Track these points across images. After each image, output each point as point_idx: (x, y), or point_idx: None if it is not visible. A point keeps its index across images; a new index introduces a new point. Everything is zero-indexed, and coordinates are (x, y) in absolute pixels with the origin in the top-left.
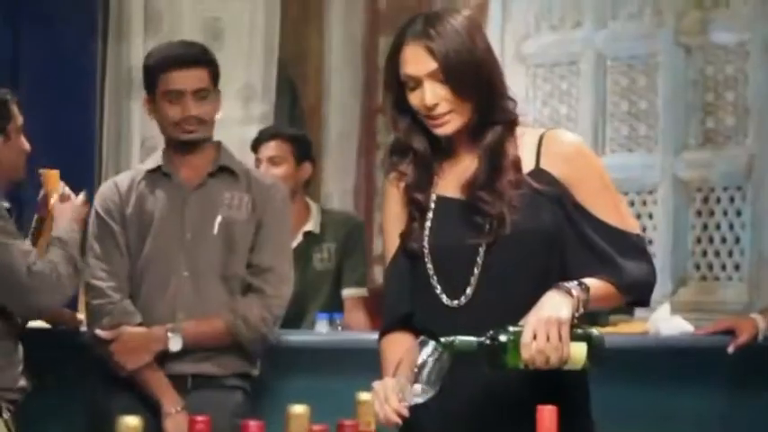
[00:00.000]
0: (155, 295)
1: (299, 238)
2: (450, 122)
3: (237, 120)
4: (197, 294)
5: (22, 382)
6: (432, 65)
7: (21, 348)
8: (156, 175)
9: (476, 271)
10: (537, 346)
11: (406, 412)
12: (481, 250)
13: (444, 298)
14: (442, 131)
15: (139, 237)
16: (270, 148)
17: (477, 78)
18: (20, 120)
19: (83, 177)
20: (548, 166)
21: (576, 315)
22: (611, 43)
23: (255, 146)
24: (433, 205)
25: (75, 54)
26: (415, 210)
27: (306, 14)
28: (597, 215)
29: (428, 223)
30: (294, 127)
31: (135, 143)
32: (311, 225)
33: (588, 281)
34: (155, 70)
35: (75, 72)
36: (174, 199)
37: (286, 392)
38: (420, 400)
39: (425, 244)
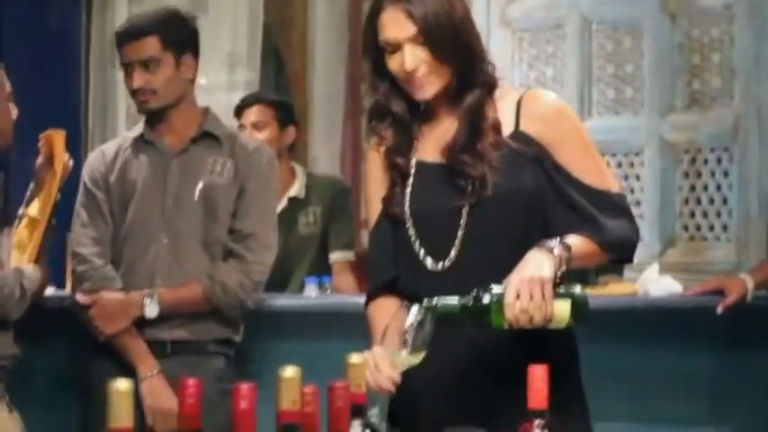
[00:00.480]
0: (136, 261)
1: (284, 202)
2: (429, 85)
3: (223, 86)
4: (176, 260)
5: (15, 350)
6: (411, 28)
7: None
8: (141, 143)
9: (459, 233)
10: (520, 306)
11: (398, 379)
12: (464, 212)
13: (428, 262)
14: (421, 95)
15: (122, 204)
16: (253, 114)
17: (456, 41)
18: (8, 87)
19: (69, 147)
20: (527, 127)
21: (559, 273)
22: (596, 6)
23: (238, 112)
24: (413, 170)
25: (59, 23)
26: (397, 175)
27: None
28: (577, 176)
29: (409, 189)
30: (280, 93)
31: (120, 112)
32: (296, 190)
33: (570, 239)
34: (116, 45)
35: (59, 41)
36: (156, 165)
37: (277, 356)
38: (409, 364)
39: (407, 209)
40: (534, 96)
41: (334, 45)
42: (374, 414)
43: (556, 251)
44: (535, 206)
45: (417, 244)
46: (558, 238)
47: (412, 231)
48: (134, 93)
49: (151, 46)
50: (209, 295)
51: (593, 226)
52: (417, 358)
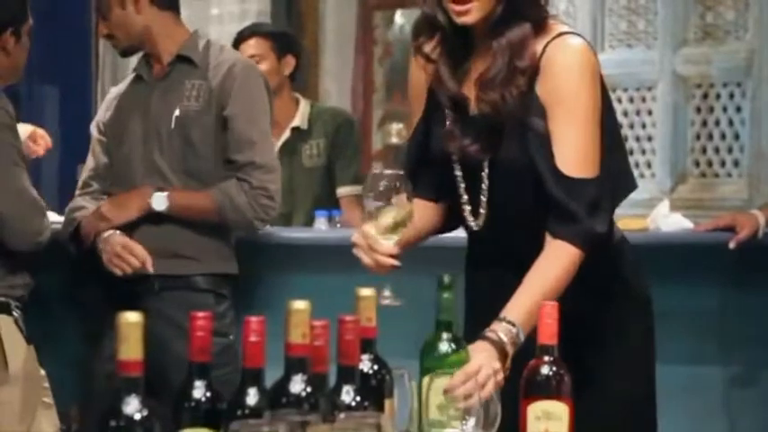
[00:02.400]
0: (121, 192)
1: (287, 133)
2: (473, 11)
3: (235, 16)
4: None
5: (28, 279)
6: None
7: None
8: (136, 77)
9: (482, 199)
10: (461, 391)
11: (396, 250)
12: (484, 175)
13: (467, 213)
14: (463, 19)
15: (115, 139)
16: (250, 47)
17: None
18: (30, 21)
19: (80, 75)
20: (539, 87)
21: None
22: None
23: (236, 45)
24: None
25: None
26: (453, 109)
27: None
28: (556, 154)
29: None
30: (291, 25)
31: None
32: (298, 120)
33: (525, 308)
34: None
35: None
36: (141, 95)
37: (286, 289)
38: (400, 222)
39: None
40: (556, 48)
41: None
42: (386, 295)
43: (509, 348)
44: (537, 177)
45: (462, 188)
46: (507, 320)
47: (459, 173)
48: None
49: None
50: (218, 206)
51: (561, 216)
52: (405, 216)
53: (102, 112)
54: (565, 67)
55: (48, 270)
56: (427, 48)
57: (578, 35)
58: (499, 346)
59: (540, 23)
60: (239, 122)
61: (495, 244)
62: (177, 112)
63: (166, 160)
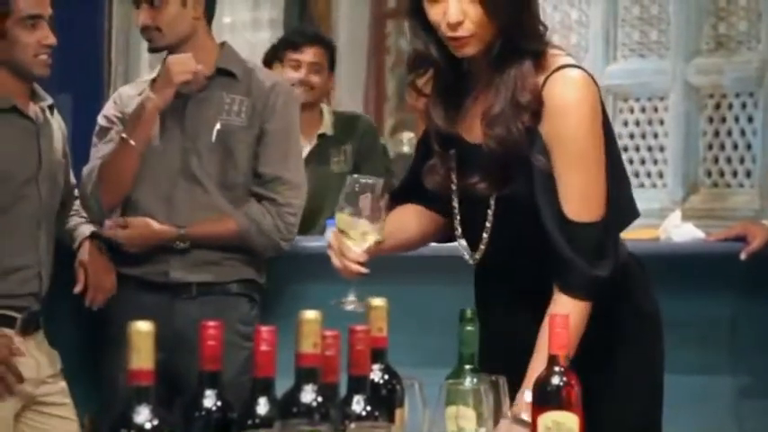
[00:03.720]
0: (152, 202)
1: (315, 140)
2: (470, 44)
3: (247, 24)
4: (195, 202)
5: (33, 287)
6: None
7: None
8: None
9: (484, 235)
10: None
11: (364, 257)
12: (490, 212)
13: (464, 245)
14: (461, 53)
15: None
16: (312, 54)
17: None
18: (22, 12)
19: (92, 81)
20: (541, 124)
21: None
22: None
23: (292, 46)
24: (455, 149)
25: None
26: (439, 146)
27: None
28: (560, 196)
29: (454, 165)
30: None
31: (143, 47)
32: (325, 127)
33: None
34: None
35: None
36: (173, 106)
37: (297, 298)
38: (372, 236)
39: (453, 187)
40: (553, 83)
41: None
42: (350, 300)
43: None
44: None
45: (458, 221)
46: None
47: (456, 205)
48: (141, 30)
49: None
50: (243, 234)
51: (560, 268)
52: (377, 227)
53: (118, 107)
54: (564, 105)
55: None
56: (420, 82)
57: (577, 67)
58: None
59: (539, 56)
60: (275, 137)
61: (495, 274)
62: (219, 126)
63: (206, 172)
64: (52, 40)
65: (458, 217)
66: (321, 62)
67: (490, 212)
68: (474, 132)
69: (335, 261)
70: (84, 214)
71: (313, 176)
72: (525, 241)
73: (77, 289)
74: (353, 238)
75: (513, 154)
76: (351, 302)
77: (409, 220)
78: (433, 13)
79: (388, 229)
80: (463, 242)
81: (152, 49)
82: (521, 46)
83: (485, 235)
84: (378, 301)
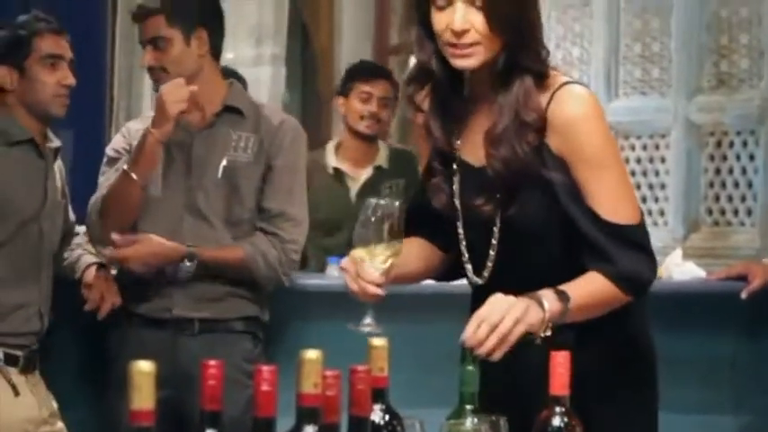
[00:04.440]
0: (158, 236)
1: (370, 171)
2: (474, 56)
3: (249, 60)
4: (200, 238)
5: (34, 326)
6: None
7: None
8: None
9: (491, 253)
10: (483, 317)
11: (381, 280)
12: (495, 229)
13: (470, 269)
14: (463, 63)
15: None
16: (382, 88)
17: (517, 10)
18: (43, 51)
19: (94, 118)
20: (549, 139)
21: (542, 332)
22: None
23: (365, 75)
24: (456, 169)
25: None
26: (439, 165)
27: None
28: (589, 200)
29: (456, 186)
30: (306, 68)
31: (146, 83)
32: (381, 159)
33: (574, 288)
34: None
35: (87, 11)
36: (179, 142)
37: (299, 337)
38: (388, 259)
39: (458, 206)
40: (561, 99)
41: (361, 19)
42: (367, 323)
43: (546, 304)
44: (554, 234)
45: (464, 246)
46: (558, 290)
47: (461, 231)
48: (148, 71)
49: (157, 25)
50: (249, 263)
51: (604, 259)
52: (395, 249)
53: (126, 140)
54: (577, 117)
55: (73, 312)
56: (418, 97)
57: (581, 84)
58: (536, 298)
59: (541, 76)
60: (282, 173)
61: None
62: (225, 162)
63: (212, 207)
64: (71, 80)
65: (463, 242)
66: (390, 97)
67: (495, 233)
68: (476, 154)
69: (352, 284)
70: (86, 247)
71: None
72: (532, 262)
73: (88, 306)
74: (371, 261)
75: (519, 174)
76: (368, 325)
77: (413, 252)
78: (438, 21)
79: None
80: (469, 266)
81: (158, 90)
82: (524, 64)
83: (491, 253)
84: (378, 341)
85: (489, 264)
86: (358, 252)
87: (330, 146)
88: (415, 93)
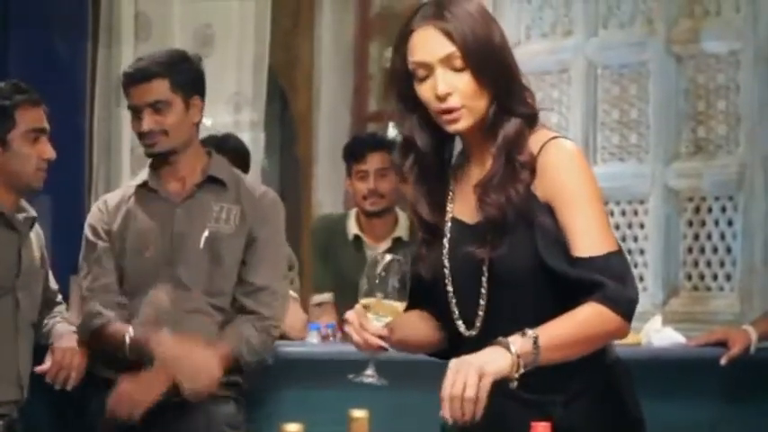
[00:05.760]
0: (138, 306)
1: (389, 243)
2: (461, 119)
3: (228, 126)
4: (181, 307)
5: (13, 395)
6: (448, 47)
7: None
8: (145, 190)
9: (481, 302)
10: (450, 392)
11: (385, 332)
12: (484, 280)
13: (461, 325)
14: (454, 128)
15: (126, 252)
16: (377, 160)
17: (497, 63)
18: (26, 125)
19: (73, 184)
20: (536, 187)
21: (516, 373)
22: (601, 51)
23: (357, 154)
24: (448, 228)
25: (64, 59)
26: (426, 232)
27: (296, 22)
28: (573, 240)
29: (446, 249)
30: (284, 134)
31: (125, 150)
32: (400, 231)
33: (546, 326)
34: (122, 87)
35: (64, 77)
36: (161, 213)
37: (280, 403)
38: (393, 311)
39: (446, 266)
40: (548, 150)
41: (339, 86)
42: (369, 374)
43: (513, 348)
44: (542, 275)
45: (454, 303)
46: (527, 332)
47: (450, 289)
48: (142, 135)
49: (161, 89)
50: (235, 353)
51: (588, 288)
52: (400, 304)
53: (105, 219)
54: (563, 165)
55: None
56: (406, 169)
57: (569, 139)
58: (504, 344)
59: (531, 117)
60: (266, 247)
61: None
62: (206, 233)
63: (193, 278)
64: (52, 154)
65: (453, 299)
66: (387, 166)
67: (483, 282)
68: (469, 212)
69: (355, 336)
70: (65, 315)
71: None
72: (522, 305)
73: (40, 368)
74: (375, 313)
75: (511, 218)
76: (370, 376)
77: (418, 323)
78: (423, 90)
79: (399, 323)
80: (460, 322)
81: (152, 154)
82: (513, 109)
83: (481, 302)
84: (359, 413)
85: (480, 313)
86: (363, 304)
87: (352, 213)
88: (402, 164)
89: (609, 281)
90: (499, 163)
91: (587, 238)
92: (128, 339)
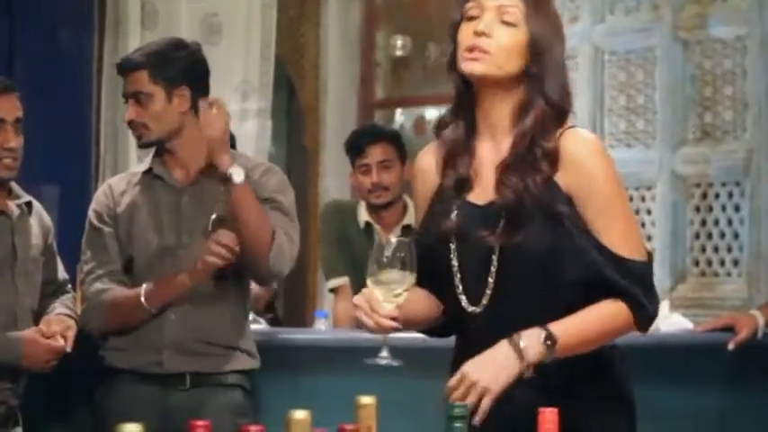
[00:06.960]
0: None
1: (398, 231)
2: (482, 62)
3: (235, 115)
4: (195, 293)
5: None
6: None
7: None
8: (150, 177)
9: (490, 281)
10: (457, 394)
11: (396, 313)
12: (494, 258)
13: (464, 300)
14: (470, 68)
15: (131, 237)
16: (379, 152)
17: (549, 36)
18: (17, 112)
19: (80, 175)
20: (558, 177)
21: (526, 374)
22: (608, 37)
23: (356, 149)
24: (461, 205)
25: (71, 49)
26: (448, 193)
27: (303, 10)
28: (598, 235)
29: (455, 217)
30: (291, 122)
31: (131, 140)
32: (410, 218)
33: (570, 325)
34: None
35: (71, 67)
36: (167, 199)
37: (287, 391)
38: (403, 288)
39: (453, 241)
40: (569, 139)
41: (346, 74)
42: (384, 356)
43: (526, 354)
44: (558, 267)
45: (458, 279)
46: (546, 331)
47: (455, 263)
48: (129, 125)
49: (140, 80)
50: (275, 238)
51: (616, 291)
52: (408, 284)
53: (110, 204)
54: (582, 156)
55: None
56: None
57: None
58: (517, 349)
59: (561, 112)
60: (279, 207)
61: (493, 333)
62: (214, 216)
63: None
64: (14, 143)
65: (458, 275)
66: (389, 157)
67: (494, 262)
68: (481, 194)
69: (366, 320)
70: (67, 303)
71: None
72: (532, 289)
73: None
74: (385, 295)
75: (528, 204)
76: (385, 358)
77: (420, 298)
78: (464, 28)
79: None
80: (463, 297)
81: (141, 145)
82: (548, 94)
83: (490, 280)
84: (366, 399)
85: (488, 291)
86: (372, 287)
87: (363, 202)
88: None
89: (641, 290)
90: (523, 144)
91: (620, 238)
92: (143, 292)
